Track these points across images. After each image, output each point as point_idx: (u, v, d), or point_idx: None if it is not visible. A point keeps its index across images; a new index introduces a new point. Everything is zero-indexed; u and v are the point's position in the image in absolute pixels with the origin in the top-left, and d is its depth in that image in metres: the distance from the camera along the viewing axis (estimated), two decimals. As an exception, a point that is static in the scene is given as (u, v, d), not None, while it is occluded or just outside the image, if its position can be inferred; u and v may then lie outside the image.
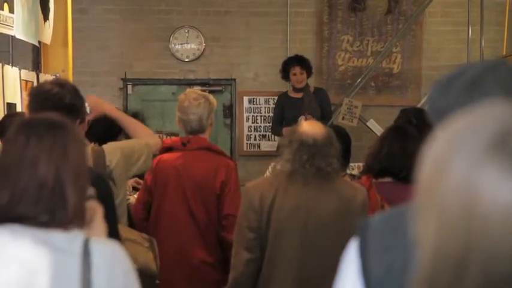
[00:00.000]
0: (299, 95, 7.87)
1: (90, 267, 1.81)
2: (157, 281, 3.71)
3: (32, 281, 1.79)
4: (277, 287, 3.43)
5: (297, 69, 7.80)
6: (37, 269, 1.80)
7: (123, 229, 3.70)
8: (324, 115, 7.76)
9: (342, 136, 4.94)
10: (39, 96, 3.18)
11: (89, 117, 3.99)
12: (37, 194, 1.88)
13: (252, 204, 3.47)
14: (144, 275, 3.64)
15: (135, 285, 1.92)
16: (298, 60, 7.86)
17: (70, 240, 1.85)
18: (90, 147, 3.74)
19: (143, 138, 3.86)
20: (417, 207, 0.99)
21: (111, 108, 4.06)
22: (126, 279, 1.88)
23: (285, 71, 7.93)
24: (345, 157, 4.88)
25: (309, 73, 7.92)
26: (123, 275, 1.87)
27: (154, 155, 4.63)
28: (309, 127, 3.59)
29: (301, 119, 7.32)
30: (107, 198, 3.13)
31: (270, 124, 8.62)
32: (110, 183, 3.19)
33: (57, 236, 1.85)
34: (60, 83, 3.25)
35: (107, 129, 4.27)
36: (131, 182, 4.84)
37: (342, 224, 3.36)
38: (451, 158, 0.94)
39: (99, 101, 3.99)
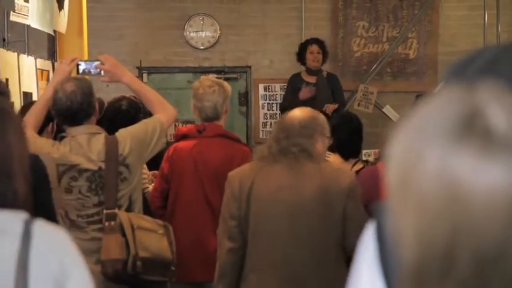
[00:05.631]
0: (313, 79, 7.86)
1: (29, 248, 1.78)
2: (173, 267, 3.72)
3: None
4: (257, 274, 3.39)
5: (314, 48, 7.83)
6: None
7: (136, 217, 3.72)
8: (335, 101, 7.75)
9: (352, 122, 4.92)
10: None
11: (103, 79, 4.01)
12: None
13: (233, 191, 3.45)
14: (157, 262, 3.66)
15: (76, 271, 1.87)
16: (316, 40, 7.93)
17: (10, 219, 1.83)
18: (104, 135, 3.76)
19: (157, 114, 3.87)
20: (392, 201, 0.98)
21: (131, 77, 4.03)
22: (64, 264, 1.84)
23: (302, 50, 7.94)
24: (355, 143, 4.87)
25: (325, 57, 7.92)
26: (61, 259, 1.83)
27: (170, 143, 4.65)
28: (296, 111, 3.57)
29: (326, 107, 7.32)
30: (44, 183, 3.15)
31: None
32: (45, 167, 3.19)
33: None
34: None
35: (122, 122, 4.23)
36: (149, 175, 4.85)
37: (322, 208, 3.28)
38: (422, 147, 0.93)
39: (117, 65, 3.97)
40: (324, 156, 3.58)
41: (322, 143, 3.47)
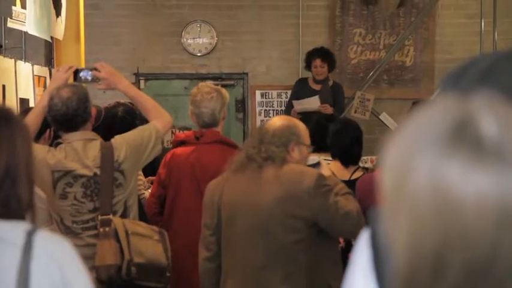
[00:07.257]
0: (318, 87, 7.93)
1: (30, 258, 1.79)
2: (168, 274, 3.72)
3: None
4: (230, 276, 3.44)
5: (317, 62, 7.85)
6: None
7: (131, 223, 3.72)
8: (335, 108, 7.78)
9: (352, 129, 4.93)
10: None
11: (99, 87, 4.03)
12: None
13: (205, 201, 3.54)
14: (153, 268, 3.66)
15: (78, 283, 1.88)
16: (321, 53, 7.92)
17: (13, 229, 1.83)
18: (99, 141, 3.77)
19: (153, 120, 3.89)
20: (386, 208, 0.99)
21: (127, 85, 4.04)
22: (67, 276, 1.84)
23: (308, 62, 7.99)
24: (355, 150, 4.88)
25: (331, 67, 7.94)
26: (63, 270, 1.83)
27: (168, 149, 4.65)
28: (274, 119, 3.61)
29: (323, 107, 7.45)
30: None
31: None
32: None
33: (1, 225, 1.84)
34: None
35: (120, 129, 4.23)
36: (146, 182, 4.85)
37: (283, 214, 3.30)
38: (414, 155, 0.94)
39: (114, 72, 3.98)
40: (301, 164, 3.56)
41: (298, 152, 3.48)
